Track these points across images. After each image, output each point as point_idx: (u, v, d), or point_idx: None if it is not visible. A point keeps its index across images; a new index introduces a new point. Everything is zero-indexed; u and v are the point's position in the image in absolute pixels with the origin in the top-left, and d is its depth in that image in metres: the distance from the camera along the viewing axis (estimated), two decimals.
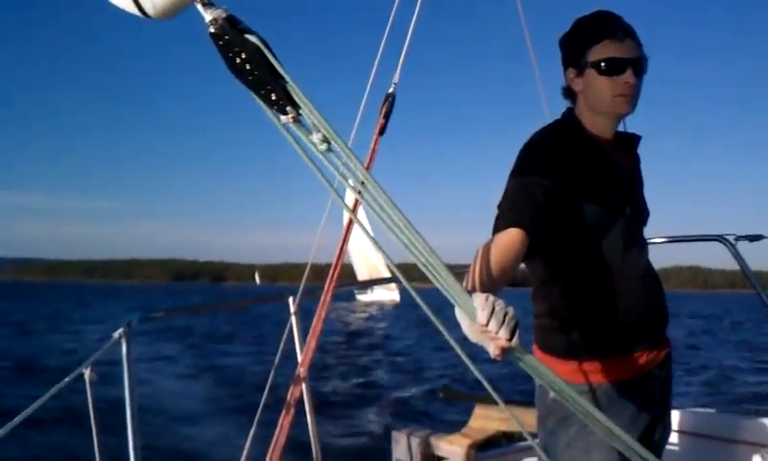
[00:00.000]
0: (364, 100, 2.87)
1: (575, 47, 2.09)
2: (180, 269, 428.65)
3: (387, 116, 2.82)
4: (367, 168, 2.58)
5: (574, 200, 1.96)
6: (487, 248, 1.69)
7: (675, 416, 2.28)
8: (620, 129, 2.19)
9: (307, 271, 3.15)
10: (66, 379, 2.41)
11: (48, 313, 43.87)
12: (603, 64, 2.01)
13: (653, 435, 2.11)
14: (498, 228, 1.78)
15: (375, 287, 75.06)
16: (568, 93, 2.15)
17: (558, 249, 2.03)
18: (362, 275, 77.21)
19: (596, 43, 2.02)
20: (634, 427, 2.00)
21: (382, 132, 2.82)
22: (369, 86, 2.87)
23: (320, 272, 3.33)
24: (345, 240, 2.87)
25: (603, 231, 2.03)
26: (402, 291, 71.51)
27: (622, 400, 2.03)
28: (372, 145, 2.81)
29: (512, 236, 1.74)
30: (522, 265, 1.88)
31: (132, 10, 1.26)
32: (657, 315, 2.14)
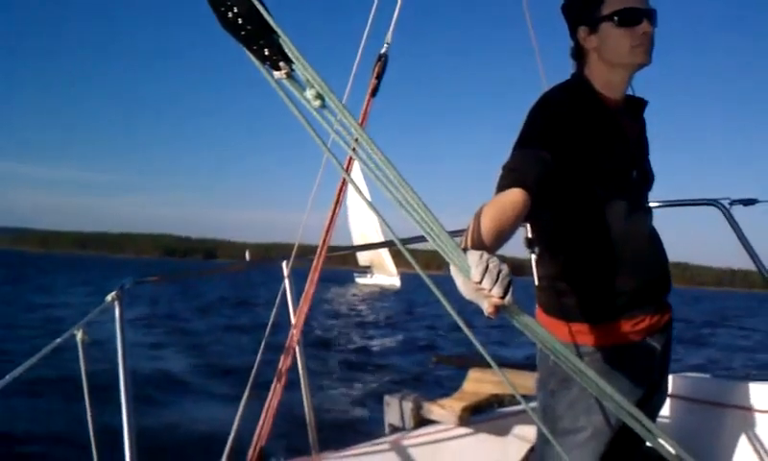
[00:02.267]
0: (357, 60, 2.82)
1: (586, 3, 2.06)
2: (172, 245, 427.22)
3: (380, 77, 2.77)
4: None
5: (581, 161, 1.94)
6: (487, 206, 1.67)
7: (669, 380, 2.29)
8: (628, 92, 2.16)
9: (301, 229, 3.13)
10: (58, 340, 2.39)
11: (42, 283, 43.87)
12: (620, 16, 1.99)
13: (650, 399, 2.12)
14: (501, 186, 1.75)
15: (376, 273, 75.25)
16: (577, 54, 2.13)
17: (562, 211, 2.03)
18: (364, 259, 77.37)
19: None
20: (632, 390, 2.01)
21: (374, 92, 2.78)
22: (361, 47, 2.82)
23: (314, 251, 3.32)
24: (337, 202, 2.84)
25: (608, 195, 2.03)
26: (402, 277, 71.96)
27: (623, 363, 2.04)
28: (365, 106, 2.78)
29: (514, 196, 1.71)
30: None
31: None
32: (660, 280, 2.14)
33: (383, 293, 55.83)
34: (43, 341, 2.50)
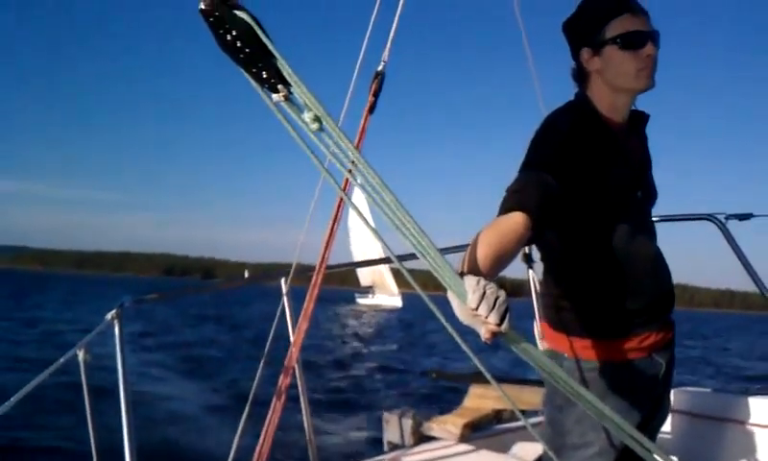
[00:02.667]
0: (354, 78, 2.83)
1: (590, 25, 2.04)
2: (171, 264, 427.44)
3: (376, 94, 2.78)
4: (356, 147, 2.57)
5: (585, 184, 1.92)
6: (488, 229, 1.65)
7: (674, 395, 2.29)
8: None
9: (299, 246, 3.14)
10: (61, 360, 2.41)
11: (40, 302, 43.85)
12: (624, 39, 1.97)
13: (654, 415, 2.12)
14: (504, 209, 1.73)
15: (378, 293, 75.33)
16: (580, 75, 2.11)
17: (568, 231, 2.02)
18: (365, 280, 77.48)
19: (614, 18, 1.98)
20: (636, 407, 2.01)
21: (372, 110, 2.79)
22: (358, 64, 2.84)
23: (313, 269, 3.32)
24: (335, 221, 2.85)
25: (614, 215, 2.02)
26: (404, 297, 71.99)
27: (628, 379, 2.03)
28: (362, 123, 2.78)
29: (515, 220, 1.69)
30: None
31: None
32: (664, 297, 2.13)
33: (384, 312, 55.86)
34: (45, 353, 2.50)
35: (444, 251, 1.79)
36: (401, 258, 2.77)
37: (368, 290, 77.94)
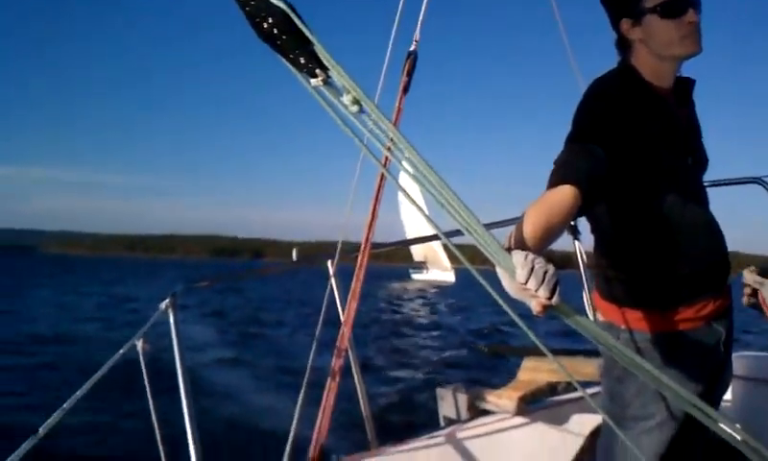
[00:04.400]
0: (387, 59, 2.81)
1: None
2: (220, 245, 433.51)
3: (410, 74, 2.77)
4: (393, 127, 2.56)
5: (635, 153, 1.88)
6: (536, 204, 1.63)
7: (734, 360, 2.24)
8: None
9: (343, 228, 3.14)
10: (120, 351, 2.43)
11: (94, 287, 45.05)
12: (664, 8, 1.92)
13: (714, 385, 2.07)
14: (551, 183, 1.69)
15: (431, 268, 75.40)
16: (622, 45, 2.06)
17: (618, 202, 1.98)
18: (418, 255, 77.59)
19: None
20: (695, 377, 1.97)
21: (406, 90, 2.77)
22: (390, 45, 2.81)
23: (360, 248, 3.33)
24: (377, 198, 2.85)
25: (664, 183, 1.97)
26: (457, 272, 71.97)
27: (686, 349, 1.99)
28: (397, 103, 2.77)
29: (563, 193, 1.65)
30: None
31: None
32: (719, 264, 2.07)
33: (437, 287, 55.85)
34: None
35: (490, 226, 1.77)
36: (448, 235, 2.77)
37: (421, 265, 78.07)
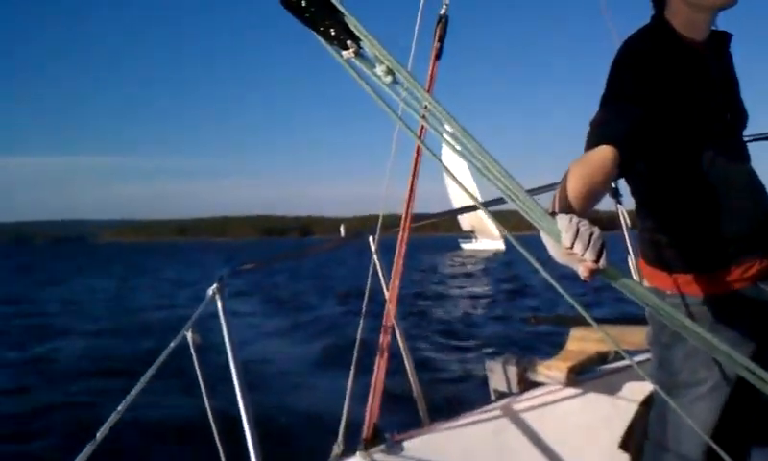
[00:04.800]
0: (417, 24, 2.70)
1: None
2: (269, 225, 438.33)
3: (442, 40, 2.66)
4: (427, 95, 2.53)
5: (672, 110, 1.82)
6: (576, 165, 1.59)
7: None
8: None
9: (383, 203, 3.11)
10: (171, 345, 2.40)
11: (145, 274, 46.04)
12: None
13: (763, 346, 2.01)
14: (589, 144, 1.66)
15: (480, 237, 75.02)
16: None
17: (657, 161, 1.92)
18: (465, 225, 77.28)
19: None
20: (746, 339, 1.91)
21: (438, 56, 2.67)
22: (420, 9, 2.71)
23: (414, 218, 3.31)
24: (414, 171, 2.80)
25: (703, 139, 1.91)
26: (507, 240, 70.99)
27: (734, 311, 1.94)
28: (430, 70, 2.67)
29: (602, 153, 1.62)
30: None
31: None
32: (763, 223, 1.99)
33: (486, 257, 55.50)
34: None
35: (532, 192, 1.73)
36: (491, 203, 2.71)
37: (470, 235, 77.69)
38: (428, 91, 2.64)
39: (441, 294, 24.75)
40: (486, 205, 2.37)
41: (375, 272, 3.09)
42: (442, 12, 2.68)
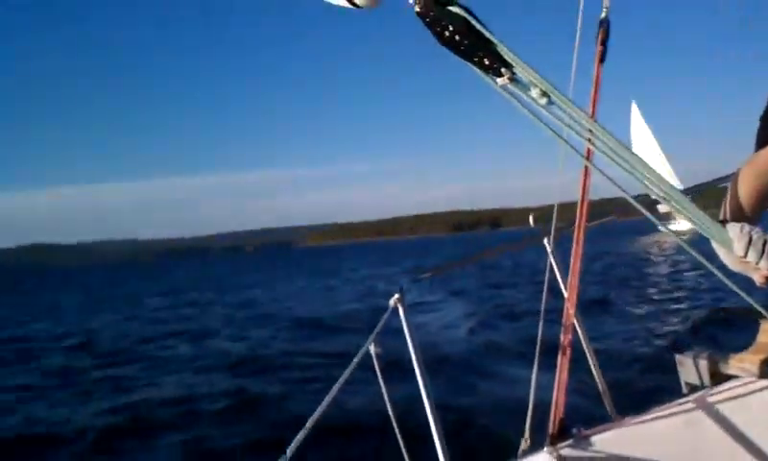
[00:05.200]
0: (578, 30, 2.70)
1: None
2: (459, 220, 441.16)
3: (604, 43, 2.69)
4: (593, 99, 2.50)
5: None
6: (746, 168, 1.50)
7: None
8: None
9: (555, 213, 3.10)
10: (355, 360, 2.47)
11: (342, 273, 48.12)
12: None
13: None
14: (760, 141, 1.56)
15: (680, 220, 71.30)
16: None
17: None
18: (663, 207, 74.02)
19: None
20: None
21: (602, 59, 2.70)
22: (580, 14, 2.70)
23: (602, 205, 3.27)
24: (584, 188, 2.78)
25: None
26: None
27: None
28: (595, 73, 2.69)
29: None
30: None
31: (343, 3, 1.35)
32: None
33: (683, 242, 52.47)
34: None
35: (698, 187, 1.63)
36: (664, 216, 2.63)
37: (667, 217, 73.81)
38: (595, 94, 2.65)
39: (630, 279, 23.93)
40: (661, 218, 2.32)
41: (552, 273, 3.10)
42: (602, 15, 2.70)
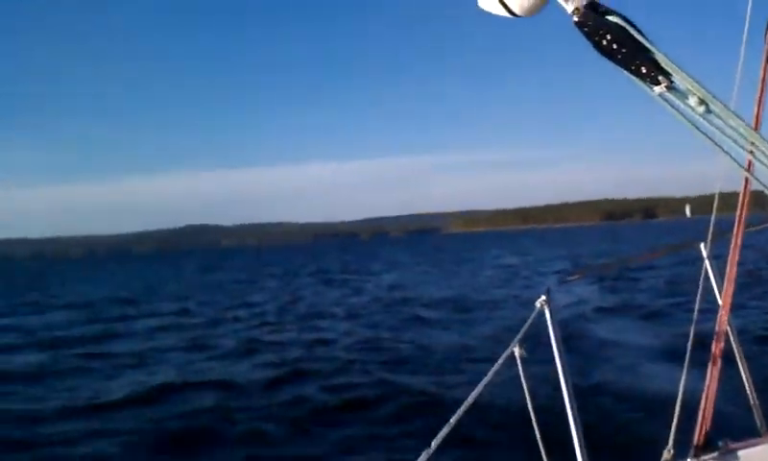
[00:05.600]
0: (745, 28, 2.53)
1: None
2: (609, 209, 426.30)
3: None
4: (758, 105, 2.37)
5: None
6: None
7: None
8: None
9: (712, 222, 2.97)
10: (499, 361, 2.43)
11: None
12: None
13: None
14: None
15: None
16: None
17: None
18: None
19: None
20: None
21: None
22: (748, 13, 2.53)
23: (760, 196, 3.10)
24: (744, 197, 2.66)
25: None
26: None
27: None
28: (762, 72, 2.53)
29: None
30: None
31: (501, 12, 1.39)
32: None
33: None
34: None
35: None
36: None
37: None
38: (760, 96, 2.51)
39: None
40: None
41: (707, 278, 2.99)
42: None
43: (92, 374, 13.55)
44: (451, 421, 2.05)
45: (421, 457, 1.89)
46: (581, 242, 78.54)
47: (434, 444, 1.94)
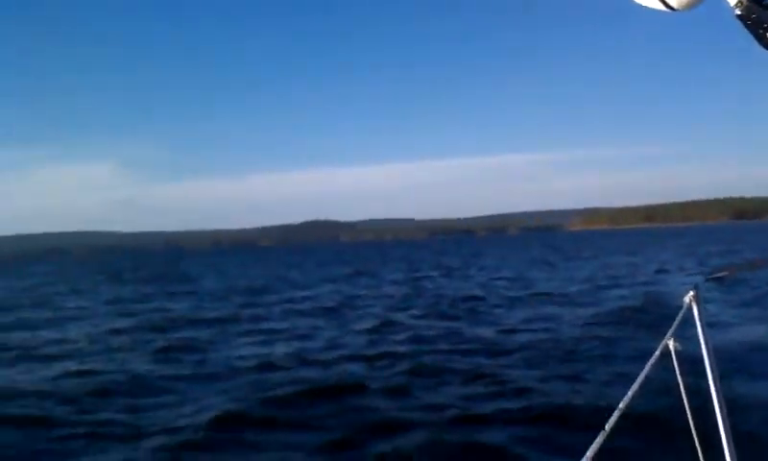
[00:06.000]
0: None
1: None
2: (740, 207, 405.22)
3: None
4: None
5: None
6: None
7: None
8: None
9: None
10: (651, 360, 2.26)
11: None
12: None
13: None
14: None
15: None
16: None
17: None
18: None
19: None
20: None
21: None
22: None
23: None
24: None
25: None
26: None
27: None
28: None
29: None
30: None
31: (658, 6, 1.38)
32: None
33: None
34: None
35: None
36: None
37: None
38: None
39: None
40: None
41: None
42: None
43: (257, 345, 16.40)
44: (606, 428, 1.94)
45: (597, 439, 1.86)
46: (712, 241, 74.82)
47: (590, 451, 1.89)
